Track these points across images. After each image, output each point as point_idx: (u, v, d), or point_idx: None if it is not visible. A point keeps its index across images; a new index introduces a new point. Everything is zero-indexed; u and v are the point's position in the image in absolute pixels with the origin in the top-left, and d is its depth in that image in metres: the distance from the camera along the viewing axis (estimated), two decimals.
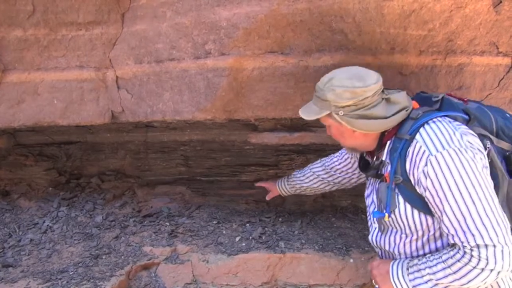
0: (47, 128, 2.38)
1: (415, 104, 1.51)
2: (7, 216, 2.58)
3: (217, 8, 1.83)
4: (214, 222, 2.51)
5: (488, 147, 1.38)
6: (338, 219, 2.57)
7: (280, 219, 2.53)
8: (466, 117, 1.44)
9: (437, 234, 1.40)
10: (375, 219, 1.59)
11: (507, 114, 1.54)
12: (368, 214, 1.68)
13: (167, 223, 2.49)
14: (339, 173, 2.03)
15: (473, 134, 1.38)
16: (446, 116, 1.43)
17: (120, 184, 2.84)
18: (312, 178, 2.13)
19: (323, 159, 2.13)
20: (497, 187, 1.37)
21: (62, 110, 2.11)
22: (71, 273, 2.07)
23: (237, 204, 2.74)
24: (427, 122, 1.39)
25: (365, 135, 1.51)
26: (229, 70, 1.89)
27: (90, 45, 2.03)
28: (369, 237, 1.67)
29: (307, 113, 1.55)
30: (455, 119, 1.43)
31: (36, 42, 2.02)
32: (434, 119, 1.40)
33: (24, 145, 2.74)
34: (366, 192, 1.69)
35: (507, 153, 1.45)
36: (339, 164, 2.02)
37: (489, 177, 1.32)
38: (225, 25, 1.83)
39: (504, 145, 1.45)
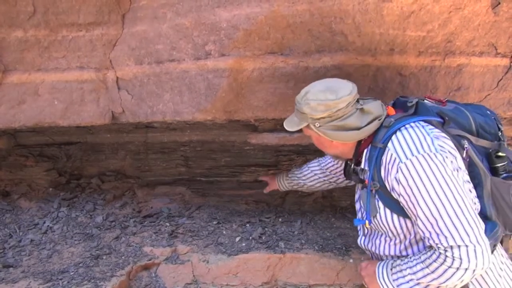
0: (47, 129, 2.38)
1: (390, 110, 1.55)
2: (8, 217, 2.58)
3: (217, 9, 1.83)
4: (214, 222, 2.52)
5: (466, 147, 1.43)
6: (337, 219, 2.58)
7: (280, 219, 2.54)
8: (441, 120, 1.48)
9: (418, 237, 1.45)
10: (363, 225, 1.65)
11: (488, 111, 1.58)
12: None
13: (167, 224, 2.49)
14: (334, 174, 2.09)
15: (445, 137, 1.42)
16: (419, 120, 1.46)
17: (120, 185, 2.84)
18: (310, 176, 2.19)
19: (320, 158, 2.18)
20: (480, 186, 1.43)
21: (62, 111, 2.11)
22: (71, 273, 2.07)
23: (237, 205, 2.74)
24: (399, 129, 1.44)
25: (343, 144, 1.58)
26: (229, 71, 1.90)
27: (91, 46, 2.03)
28: (358, 241, 1.73)
29: (290, 125, 1.63)
30: (429, 123, 1.46)
31: (37, 43, 2.03)
32: (407, 126, 1.44)
33: (25, 146, 2.75)
34: (355, 197, 1.73)
35: (489, 151, 1.50)
36: (332, 165, 2.07)
37: (461, 180, 1.35)
38: (225, 26, 1.83)
39: (484, 143, 1.50)
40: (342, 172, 1.98)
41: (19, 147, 2.73)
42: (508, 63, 1.93)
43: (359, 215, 1.69)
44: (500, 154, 1.49)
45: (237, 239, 2.34)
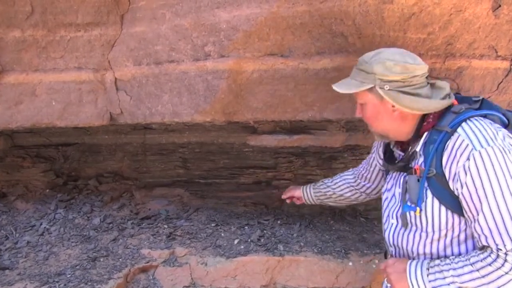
0: (44, 130, 2.37)
1: (454, 101, 1.45)
2: (4, 218, 2.56)
3: (217, 10, 1.82)
4: (213, 224, 2.50)
5: None
6: (336, 222, 2.57)
7: (279, 222, 2.52)
8: (505, 120, 1.40)
9: (462, 236, 1.35)
10: (394, 214, 1.52)
11: None
12: (384, 209, 1.61)
13: (165, 226, 2.48)
14: (364, 181, 1.94)
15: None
16: (486, 116, 1.37)
17: (118, 186, 2.83)
18: (341, 184, 2.03)
19: (354, 168, 2.04)
20: None
21: (60, 112, 2.10)
22: (68, 276, 2.05)
23: (236, 207, 2.73)
24: (469, 118, 1.34)
25: (404, 118, 1.43)
26: (229, 73, 1.89)
27: (89, 46, 2.02)
28: (385, 234, 1.58)
29: (345, 86, 1.47)
30: (494, 120, 1.38)
31: (35, 43, 2.01)
32: (476, 117, 1.35)
33: (22, 147, 2.73)
34: (385, 187, 1.61)
35: None
36: (365, 170, 1.93)
37: None
38: (225, 27, 1.83)
39: None
40: (372, 177, 1.89)
41: (16, 148, 2.72)
42: (509, 66, 1.92)
43: (387, 205, 1.57)
44: None
45: (236, 241, 2.33)
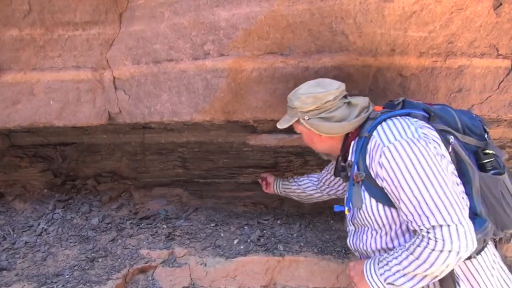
0: (42, 129, 2.35)
1: (377, 107, 1.60)
2: (1, 219, 2.55)
3: (216, 8, 1.81)
4: (212, 224, 2.49)
5: (452, 142, 1.45)
6: (337, 221, 2.56)
7: (278, 222, 2.51)
8: (426, 115, 1.51)
9: (404, 227, 1.44)
10: (350, 221, 1.66)
11: (474, 115, 1.63)
12: (346, 218, 1.72)
13: (164, 226, 2.47)
14: (328, 184, 2.10)
15: (429, 128, 1.45)
16: (403, 114, 1.50)
17: (116, 186, 2.81)
18: (307, 182, 2.21)
19: (320, 173, 2.21)
20: (469, 183, 1.44)
21: (58, 111, 2.09)
22: (66, 276, 2.04)
23: (235, 207, 2.72)
24: (384, 120, 1.48)
25: (331, 138, 1.62)
26: (228, 71, 1.88)
27: (87, 45, 2.01)
28: (347, 241, 1.72)
29: (282, 123, 1.70)
30: (415, 116, 1.50)
31: (32, 42, 2.00)
32: (392, 118, 1.48)
33: (19, 146, 2.71)
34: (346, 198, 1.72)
35: (476, 148, 1.52)
36: (326, 175, 2.10)
37: (444, 165, 1.37)
38: (224, 25, 1.81)
39: (470, 140, 1.52)
40: (334, 184, 2.07)
41: (14, 147, 2.70)
42: (510, 65, 1.91)
43: (346, 215, 1.70)
44: (487, 151, 1.51)
45: (235, 241, 2.32)
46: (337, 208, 1.64)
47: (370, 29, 1.77)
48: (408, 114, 1.51)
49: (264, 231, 2.40)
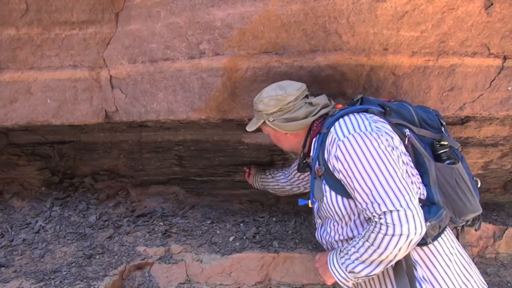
0: (40, 128, 2.37)
1: (338, 106, 1.69)
2: None
3: (212, 8, 1.83)
4: (208, 222, 2.52)
5: (408, 135, 1.54)
6: None
7: (274, 219, 2.54)
8: (382, 110, 1.60)
9: (362, 217, 1.51)
10: (316, 214, 1.71)
11: (430, 109, 1.73)
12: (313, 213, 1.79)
13: (161, 223, 2.49)
14: (297, 176, 2.15)
15: (383, 122, 1.53)
16: (360, 110, 1.58)
17: (113, 184, 2.83)
18: (280, 175, 2.27)
19: (284, 170, 2.30)
20: (426, 173, 1.52)
21: (55, 110, 2.10)
22: (64, 273, 2.06)
23: (231, 204, 2.74)
24: (342, 116, 1.56)
25: (296, 135, 1.72)
26: (224, 70, 1.90)
27: (84, 44, 2.02)
28: (315, 234, 1.77)
29: (249, 126, 1.78)
30: (371, 112, 1.57)
31: (29, 41, 2.01)
32: (349, 114, 1.56)
33: (17, 145, 2.72)
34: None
35: (432, 140, 1.60)
36: (295, 168, 2.15)
37: (395, 155, 1.43)
38: (219, 25, 1.83)
39: (426, 133, 1.61)
40: (304, 177, 2.11)
41: (12, 146, 2.71)
42: (501, 64, 1.94)
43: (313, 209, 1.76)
44: (442, 142, 1.59)
45: (231, 238, 2.34)
46: (301, 202, 1.71)
47: (363, 28, 1.79)
48: (366, 110, 1.58)
49: (260, 228, 2.43)
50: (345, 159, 1.43)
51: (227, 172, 2.78)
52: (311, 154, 1.67)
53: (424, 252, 1.50)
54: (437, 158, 1.57)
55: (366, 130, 1.45)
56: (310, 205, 1.67)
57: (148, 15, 1.93)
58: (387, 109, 1.59)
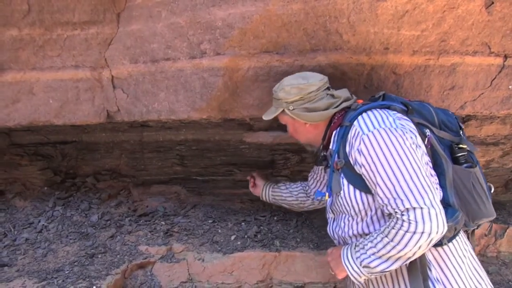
0: (42, 128, 2.38)
1: (359, 100, 1.67)
2: (2, 216, 2.57)
3: (212, 8, 1.84)
4: (210, 221, 2.52)
5: (428, 135, 1.54)
6: None
7: (275, 218, 2.55)
8: (404, 108, 1.60)
9: (379, 213, 1.50)
10: (329, 208, 1.71)
11: (450, 112, 1.72)
12: (326, 209, 1.78)
13: (163, 222, 2.50)
14: (315, 185, 2.08)
15: (407, 119, 1.53)
16: (383, 106, 1.57)
17: (115, 184, 2.84)
18: (297, 187, 2.19)
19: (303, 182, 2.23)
20: (443, 175, 1.51)
21: (57, 110, 2.11)
22: (66, 272, 2.07)
23: (233, 203, 2.75)
24: (365, 111, 1.55)
25: (315, 126, 1.69)
26: (225, 70, 1.90)
27: (86, 44, 2.03)
28: (327, 229, 1.77)
29: (267, 114, 1.76)
30: (394, 109, 1.57)
31: (32, 42, 2.02)
32: (372, 109, 1.54)
33: (19, 145, 2.74)
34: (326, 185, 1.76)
35: (451, 143, 1.60)
36: (316, 175, 2.08)
37: (419, 154, 1.43)
38: (220, 25, 1.84)
39: (446, 135, 1.61)
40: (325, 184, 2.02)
41: (14, 146, 2.72)
42: (502, 62, 1.94)
43: (327, 203, 1.74)
44: (461, 145, 1.59)
45: (233, 237, 2.35)
46: (318, 194, 1.70)
47: (364, 28, 1.80)
48: (388, 107, 1.58)
49: (261, 227, 2.43)
50: (368, 153, 1.42)
51: (228, 171, 2.78)
52: (330, 147, 1.64)
53: (439, 253, 1.49)
54: (455, 160, 1.56)
55: (391, 126, 1.44)
56: (326, 198, 1.64)
57: (149, 15, 1.94)
58: (409, 108, 1.58)
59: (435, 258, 1.49)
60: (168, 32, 1.92)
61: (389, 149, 1.39)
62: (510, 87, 1.99)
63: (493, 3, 1.80)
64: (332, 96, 1.65)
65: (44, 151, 2.79)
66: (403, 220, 1.33)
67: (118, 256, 2.20)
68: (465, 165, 1.56)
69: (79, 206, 2.64)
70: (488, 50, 1.91)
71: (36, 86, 2.08)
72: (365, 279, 1.52)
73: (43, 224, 2.48)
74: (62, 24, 2.00)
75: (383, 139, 1.41)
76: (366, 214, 1.52)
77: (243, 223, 2.48)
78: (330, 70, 1.90)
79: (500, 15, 1.82)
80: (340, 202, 1.59)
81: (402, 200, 1.34)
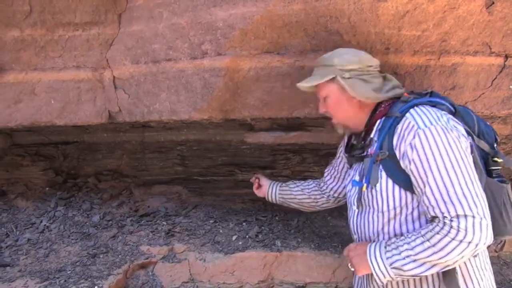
0: (44, 128, 2.38)
1: (405, 93, 1.59)
2: (4, 216, 2.58)
3: (213, 8, 1.84)
4: (211, 221, 2.53)
5: (470, 142, 1.45)
6: (334, 217, 2.59)
7: (276, 218, 2.55)
8: (453, 109, 1.52)
9: (415, 213, 1.43)
10: (354, 200, 1.60)
11: (488, 123, 1.63)
12: (347, 200, 1.70)
13: (164, 223, 2.50)
14: (332, 181, 1.98)
15: (458, 123, 1.46)
16: (430, 103, 1.50)
17: (117, 184, 2.85)
18: (311, 183, 2.08)
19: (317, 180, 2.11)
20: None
21: (59, 110, 2.12)
22: (68, 272, 2.08)
23: (234, 204, 2.75)
24: (416, 105, 1.47)
25: (361, 106, 1.58)
26: (226, 70, 1.90)
27: (87, 45, 2.04)
28: (349, 222, 1.68)
29: (309, 80, 1.62)
30: (443, 109, 1.50)
31: (33, 43, 2.03)
32: (424, 104, 1.48)
33: (21, 145, 2.75)
34: (348, 180, 1.71)
35: (487, 155, 1.52)
36: (334, 170, 1.98)
37: (471, 159, 1.37)
38: (221, 25, 1.84)
39: (483, 145, 1.53)
40: (343, 179, 1.91)
41: (16, 146, 2.73)
42: (502, 62, 1.94)
43: (350, 196, 1.66)
44: (496, 159, 1.51)
45: (234, 237, 2.35)
46: (354, 183, 1.59)
47: (365, 28, 1.80)
48: (436, 104, 1.50)
49: (262, 227, 2.43)
50: (423, 149, 1.34)
51: (229, 171, 2.79)
52: (372, 135, 1.54)
53: (465, 264, 1.43)
54: (488, 173, 1.49)
55: (447, 125, 1.37)
56: (364, 189, 1.51)
57: (151, 16, 1.94)
58: (456, 110, 1.51)
59: (460, 269, 1.42)
60: (169, 32, 1.92)
61: (446, 149, 1.32)
62: (511, 87, 1.98)
63: (493, 3, 1.80)
64: (385, 78, 1.58)
65: (45, 152, 2.80)
66: (451, 227, 1.26)
67: (119, 256, 2.21)
68: (497, 179, 1.48)
69: (81, 207, 2.64)
70: (488, 50, 1.91)
71: (37, 86, 2.08)
72: (387, 281, 1.44)
73: (45, 225, 2.48)
74: (63, 25, 2.01)
75: (440, 137, 1.34)
76: (400, 212, 1.44)
77: (244, 223, 2.49)
78: None
79: (501, 15, 1.82)
80: (372, 196, 1.49)
81: (454, 206, 1.27)
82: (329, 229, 2.45)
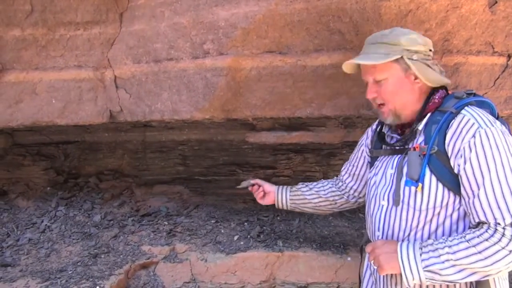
0: (45, 128, 2.38)
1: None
2: (5, 216, 2.58)
3: (215, 8, 1.84)
4: (213, 221, 2.52)
5: None
6: (335, 217, 2.59)
7: (278, 218, 2.54)
8: (495, 113, 1.46)
9: (455, 216, 1.36)
10: (386, 195, 1.49)
11: None
12: (372, 194, 1.58)
13: (166, 222, 2.50)
14: (350, 180, 1.86)
15: (506, 127, 1.40)
16: (489, 102, 1.45)
17: (118, 184, 2.84)
18: (326, 184, 1.94)
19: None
20: None
21: (60, 110, 2.11)
22: (70, 272, 2.07)
23: (235, 203, 2.75)
24: (471, 103, 1.40)
25: (421, 93, 1.46)
26: (227, 70, 1.90)
27: (88, 44, 2.03)
28: (374, 218, 1.55)
29: (369, 59, 1.45)
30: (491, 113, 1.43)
31: (34, 42, 2.03)
32: (477, 105, 1.41)
33: (22, 145, 2.74)
34: (373, 173, 1.61)
35: None
36: (352, 166, 1.86)
37: None
38: (223, 25, 1.84)
39: None
40: (362, 176, 1.81)
41: (17, 146, 2.73)
42: (505, 62, 1.93)
43: (376, 190, 1.55)
44: None
45: (236, 237, 2.35)
46: (408, 183, 1.41)
47: (367, 27, 1.79)
48: (482, 107, 1.42)
49: (264, 227, 2.43)
50: (483, 149, 1.26)
51: (231, 171, 2.79)
52: (419, 128, 1.44)
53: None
54: None
55: (504, 130, 1.31)
56: (419, 189, 1.38)
57: (152, 15, 1.94)
58: (498, 115, 1.45)
59: (493, 278, 1.35)
60: (171, 32, 1.92)
61: (506, 153, 1.26)
62: None
63: (496, 2, 1.80)
64: (437, 65, 1.49)
65: (46, 151, 2.80)
66: (503, 235, 1.19)
67: (121, 256, 2.21)
68: None
69: (82, 206, 2.64)
70: (491, 49, 1.91)
71: (39, 86, 2.08)
72: (415, 284, 1.34)
73: (46, 224, 2.48)
74: (65, 24, 2.00)
75: (501, 140, 1.27)
76: (438, 213, 1.36)
77: (246, 223, 2.48)
78: (333, 70, 1.90)
79: (504, 15, 1.82)
80: (410, 192, 1.40)
81: (510, 213, 1.20)
82: (330, 229, 2.44)
